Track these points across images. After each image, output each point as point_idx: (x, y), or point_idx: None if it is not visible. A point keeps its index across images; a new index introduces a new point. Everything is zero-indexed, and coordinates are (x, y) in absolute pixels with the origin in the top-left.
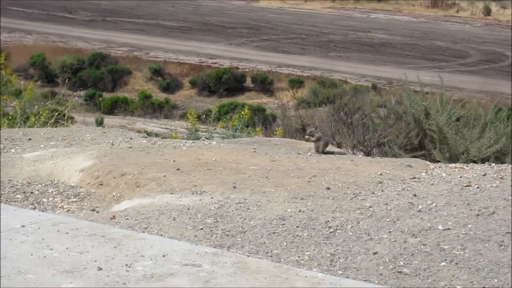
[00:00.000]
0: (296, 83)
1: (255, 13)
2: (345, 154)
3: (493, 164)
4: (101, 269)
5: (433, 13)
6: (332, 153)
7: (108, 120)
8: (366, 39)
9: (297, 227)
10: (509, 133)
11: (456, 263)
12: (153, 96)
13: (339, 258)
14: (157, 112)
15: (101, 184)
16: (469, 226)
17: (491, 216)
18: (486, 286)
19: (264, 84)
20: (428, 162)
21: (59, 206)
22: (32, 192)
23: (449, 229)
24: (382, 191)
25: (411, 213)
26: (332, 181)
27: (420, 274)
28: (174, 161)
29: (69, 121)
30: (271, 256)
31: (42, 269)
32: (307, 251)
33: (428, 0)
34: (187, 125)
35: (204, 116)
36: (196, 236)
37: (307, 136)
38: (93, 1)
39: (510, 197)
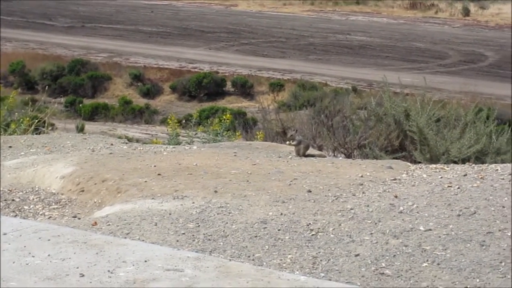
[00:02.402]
0: (277, 86)
1: (234, 17)
2: (326, 156)
3: (474, 165)
4: (83, 275)
5: (412, 14)
6: (313, 156)
7: (89, 126)
8: (345, 41)
9: (278, 230)
10: (489, 133)
11: (438, 264)
12: (134, 101)
13: (321, 260)
14: (137, 117)
15: (82, 191)
16: (450, 226)
17: (472, 216)
18: (468, 286)
19: (245, 88)
20: (409, 164)
21: (41, 213)
22: (13, 200)
23: (430, 229)
24: (363, 193)
25: (392, 215)
26: (313, 184)
27: (402, 275)
28: (155, 166)
29: (50, 128)
30: (253, 260)
31: (24, 276)
32: (289, 254)
33: (407, 1)
34: (167, 130)
35: (184, 121)
36: (178, 241)
37: (287, 140)
38: (72, 8)
39: (490, 197)
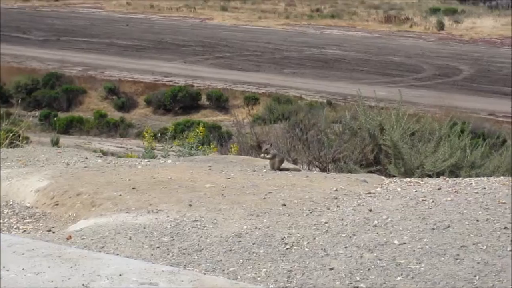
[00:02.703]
0: (251, 100)
1: (210, 31)
2: (300, 170)
3: (448, 178)
4: None
5: (386, 28)
6: (287, 169)
7: (64, 139)
8: (320, 55)
9: (253, 244)
10: (464, 147)
11: (412, 277)
12: (109, 115)
13: (295, 274)
14: (112, 131)
15: (57, 204)
16: (425, 240)
17: (446, 229)
18: None
19: (219, 102)
20: (383, 177)
21: (15, 227)
22: None
23: (404, 243)
24: (337, 206)
25: (366, 228)
26: (287, 197)
27: None
28: (129, 180)
29: (24, 142)
30: (227, 274)
31: None
32: (264, 268)
33: (382, 15)
34: (143, 144)
35: (159, 135)
36: (152, 254)
37: (262, 154)
38: (47, 21)
39: (465, 211)
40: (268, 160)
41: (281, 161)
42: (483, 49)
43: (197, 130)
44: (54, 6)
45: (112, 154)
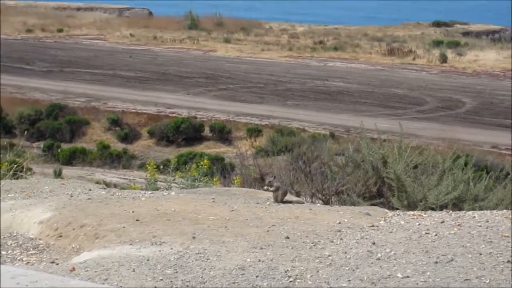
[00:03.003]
0: (254, 131)
1: (213, 63)
2: (303, 202)
3: (451, 211)
4: None
5: (389, 61)
6: (290, 202)
7: (67, 171)
8: (323, 87)
9: (256, 277)
10: (467, 180)
11: None
12: (112, 146)
13: None
14: (115, 162)
15: (60, 236)
16: (428, 273)
17: (450, 263)
18: None
19: (222, 133)
20: (386, 210)
21: (18, 258)
22: None
23: (408, 277)
24: (341, 239)
25: (370, 261)
26: (291, 230)
27: None
28: (133, 212)
29: (28, 173)
30: None
31: None
32: None
33: (385, 48)
34: (146, 176)
35: (162, 166)
36: (156, 287)
37: (265, 186)
38: (51, 52)
39: (468, 244)
40: (272, 193)
41: (284, 194)
42: (485, 81)
43: (201, 162)
44: (57, 37)
45: (115, 186)
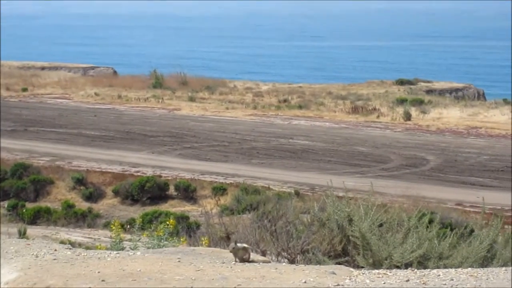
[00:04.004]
0: (219, 190)
1: (177, 121)
2: (269, 262)
3: (416, 270)
4: None
5: (354, 118)
6: (256, 261)
7: (31, 230)
8: (288, 145)
9: None
10: (432, 237)
11: None
12: (76, 205)
13: None
14: (80, 221)
15: None
16: None
17: None
18: None
19: (187, 192)
20: (351, 269)
21: None
22: None
23: None
24: None
25: None
26: None
27: None
28: (99, 272)
29: None
30: None
31: None
32: None
33: (349, 106)
34: (111, 235)
35: (128, 226)
36: None
37: (232, 253)
38: (15, 111)
39: None
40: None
41: (246, 251)
42: (449, 139)
43: (167, 222)
44: (22, 96)
45: (80, 245)
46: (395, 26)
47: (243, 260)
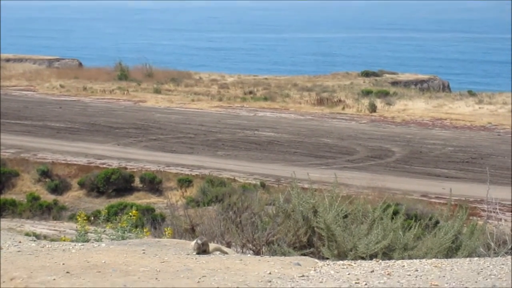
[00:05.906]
0: (185, 182)
1: (143, 113)
2: (234, 253)
3: (381, 261)
4: None
5: (319, 110)
6: (224, 252)
7: None
8: (253, 137)
9: None
10: (396, 228)
11: None
12: (41, 197)
13: None
14: (45, 213)
15: None
16: None
17: None
18: None
19: (153, 184)
20: (316, 260)
21: None
22: None
23: None
24: None
25: None
26: (221, 281)
27: None
28: (63, 264)
29: None
30: None
31: None
32: None
33: (314, 97)
34: (76, 227)
35: (93, 217)
36: None
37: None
38: None
39: None
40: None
41: (205, 244)
42: (415, 130)
43: (130, 213)
44: None
45: (45, 237)
46: (357, 20)
47: (201, 251)
